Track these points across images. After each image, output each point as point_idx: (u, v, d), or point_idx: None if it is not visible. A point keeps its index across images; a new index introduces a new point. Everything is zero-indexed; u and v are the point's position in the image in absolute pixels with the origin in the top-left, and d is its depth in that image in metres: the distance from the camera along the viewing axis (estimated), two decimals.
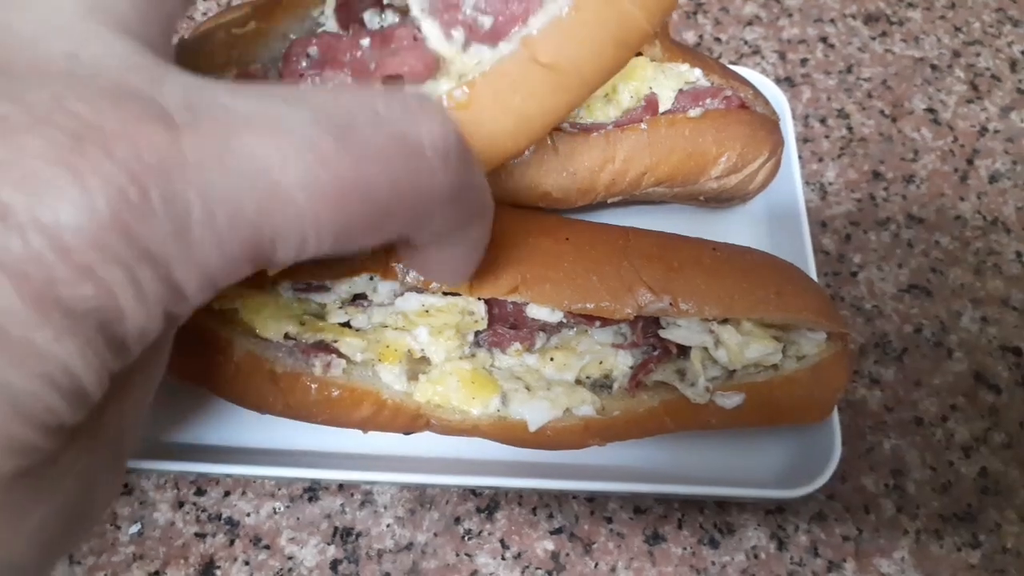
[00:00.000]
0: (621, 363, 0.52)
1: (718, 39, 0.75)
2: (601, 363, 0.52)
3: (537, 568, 0.52)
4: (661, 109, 0.55)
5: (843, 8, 0.78)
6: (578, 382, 0.52)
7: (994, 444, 0.58)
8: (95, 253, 0.21)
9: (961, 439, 0.58)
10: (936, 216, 0.67)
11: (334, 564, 0.52)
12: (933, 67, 0.75)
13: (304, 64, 0.32)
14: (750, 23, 0.76)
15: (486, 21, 0.30)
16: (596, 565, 0.53)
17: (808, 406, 0.51)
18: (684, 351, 0.51)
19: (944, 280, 0.64)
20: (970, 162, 0.70)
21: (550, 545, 0.53)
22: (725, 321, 0.50)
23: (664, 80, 0.55)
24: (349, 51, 0.32)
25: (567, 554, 0.53)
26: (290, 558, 0.52)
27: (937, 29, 0.77)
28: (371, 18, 0.33)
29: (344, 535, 0.53)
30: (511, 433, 0.51)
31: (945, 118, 0.72)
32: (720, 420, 0.50)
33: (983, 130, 0.72)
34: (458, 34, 0.30)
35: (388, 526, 0.53)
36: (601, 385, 0.52)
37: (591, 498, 0.55)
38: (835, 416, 0.52)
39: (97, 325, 0.21)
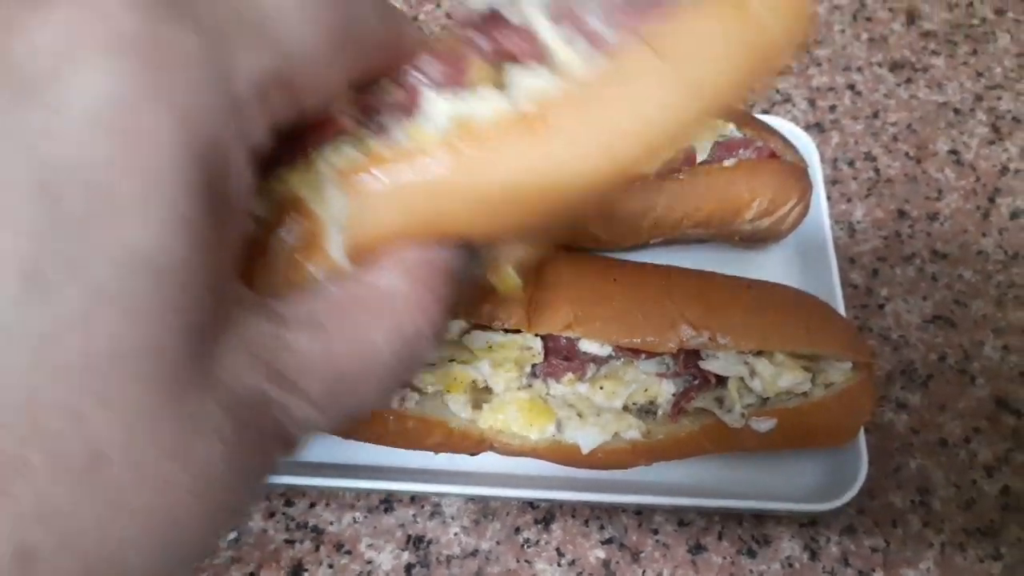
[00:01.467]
0: (665, 391, 0.58)
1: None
2: (646, 391, 0.58)
3: (590, 574, 0.58)
4: (698, 160, 0.61)
5: (870, 56, 0.83)
6: (625, 408, 0.58)
7: (1016, 464, 0.63)
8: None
9: (984, 459, 0.63)
10: (959, 251, 0.72)
11: (408, 568, 0.58)
12: (956, 111, 0.80)
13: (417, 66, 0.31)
14: (782, 73, 0.82)
15: (609, 34, 0.29)
16: (643, 572, 0.58)
17: (835, 430, 0.57)
18: (722, 380, 0.57)
19: (967, 311, 0.69)
20: (992, 200, 0.75)
21: (601, 554, 0.59)
22: (759, 353, 0.56)
23: (700, 133, 0.61)
24: (467, 51, 0.31)
25: (617, 562, 0.59)
26: (369, 562, 0.58)
27: (960, 75, 0.82)
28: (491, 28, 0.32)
29: (416, 542, 0.59)
30: (565, 455, 0.57)
31: (968, 159, 0.77)
32: (754, 443, 0.56)
33: (1004, 170, 0.76)
34: (580, 43, 0.29)
35: (455, 535, 0.59)
36: (646, 411, 0.58)
37: (639, 511, 0.60)
38: (861, 437, 0.58)
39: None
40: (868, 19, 0.86)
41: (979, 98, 0.81)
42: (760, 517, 0.60)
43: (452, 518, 0.60)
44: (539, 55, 0.29)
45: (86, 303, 0.20)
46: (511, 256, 0.38)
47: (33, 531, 0.20)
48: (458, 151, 0.28)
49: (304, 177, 0.29)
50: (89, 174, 0.20)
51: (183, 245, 0.21)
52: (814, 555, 0.59)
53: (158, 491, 0.21)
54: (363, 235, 0.29)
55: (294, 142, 0.29)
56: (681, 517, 0.60)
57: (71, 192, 0.20)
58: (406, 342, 0.28)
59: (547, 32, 0.29)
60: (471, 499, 0.60)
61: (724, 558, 0.59)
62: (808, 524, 0.60)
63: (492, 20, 0.31)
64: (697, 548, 0.59)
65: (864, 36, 0.85)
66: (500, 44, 0.30)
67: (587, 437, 0.56)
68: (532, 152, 0.28)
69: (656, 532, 0.60)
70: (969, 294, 0.70)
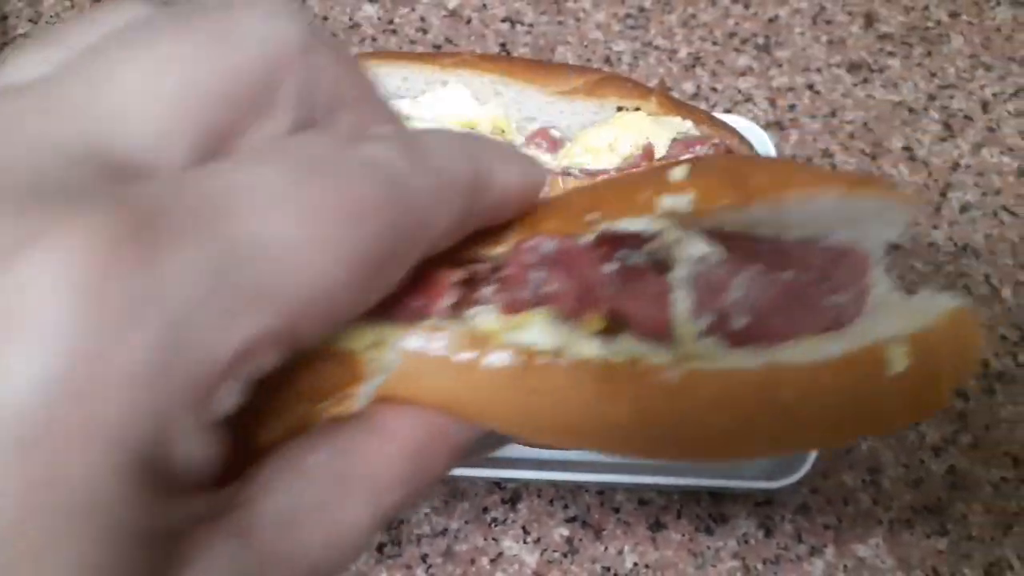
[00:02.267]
0: None
1: (714, 88, 0.85)
2: None
3: (554, 551, 0.61)
4: (656, 156, 0.64)
5: (828, 58, 0.87)
6: None
7: (962, 445, 0.66)
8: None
9: (932, 440, 0.66)
10: (911, 243, 0.75)
11: (380, 547, 0.61)
12: (910, 110, 0.83)
13: (532, 258, 0.28)
14: (743, 74, 0.86)
15: (740, 321, 0.27)
16: (605, 549, 0.61)
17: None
18: None
19: None
20: (943, 195, 0.78)
21: (565, 531, 0.62)
22: None
23: (659, 131, 0.64)
24: (590, 267, 0.28)
25: (580, 539, 0.61)
26: None
27: (914, 75, 0.85)
28: (626, 252, 0.28)
29: (388, 522, 0.62)
30: None
31: (921, 155, 0.80)
32: None
33: (955, 166, 0.80)
34: (705, 319, 0.27)
35: (426, 514, 0.62)
36: None
37: (600, 491, 0.63)
38: None
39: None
40: (827, 22, 0.89)
41: (932, 97, 0.84)
42: (717, 496, 0.63)
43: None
44: (659, 326, 0.27)
45: None
46: None
47: None
48: (532, 368, 0.26)
49: (365, 332, 0.27)
50: None
51: None
52: (769, 532, 0.62)
53: None
54: (401, 396, 0.27)
55: None
56: (641, 496, 0.63)
57: None
58: (376, 523, 0.26)
59: (682, 299, 0.27)
60: (441, 480, 0.63)
61: (683, 535, 0.62)
62: (763, 503, 0.63)
63: (631, 273, 0.28)
64: (657, 525, 0.62)
65: (823, 38, 0.88)
66: (625, 306, 0.27)
67: None
68: (597, 404, 0.26)
69: (618, 511, 0.63)
70: (920, 283, 0.73)
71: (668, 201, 0.28)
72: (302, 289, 0.20)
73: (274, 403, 0.24)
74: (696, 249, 0.27)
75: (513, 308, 0.27)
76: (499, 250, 0.28)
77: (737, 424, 0.26)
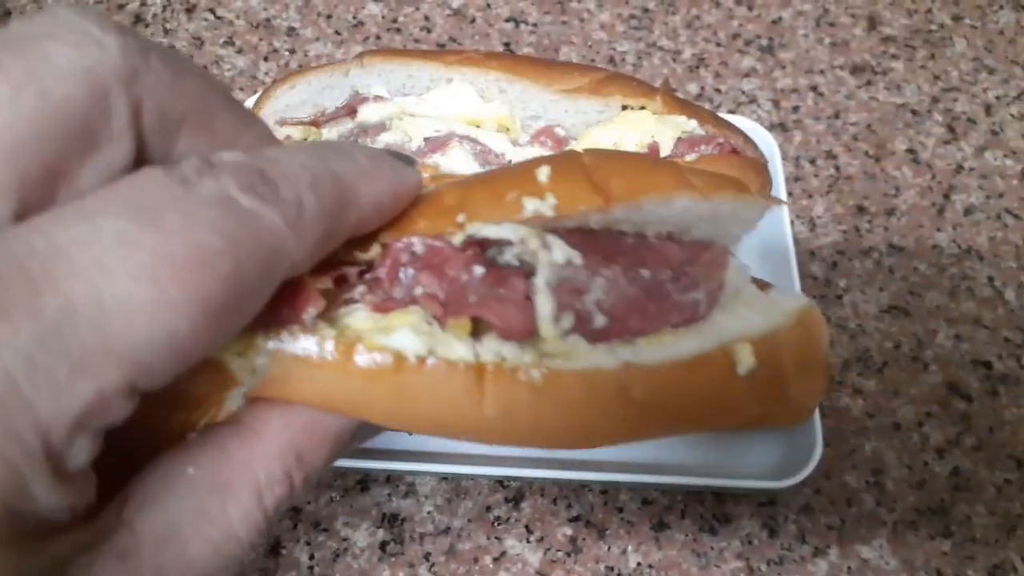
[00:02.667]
0: None
1: (718, 90, 0.85)
2: None
3: (558, 550, 0.61)
4: (661, 155, 0.64)
5: (832, 60, 0.87)
6: None
7: (965, 446, 0.66)
8: None
9: (935, 442, 0.66)
10: (915, 245, 0.75)
11: (383, 545, 0.61)
12: (914, 112, 0.83)
13: (404, 258, 0.29)
14: (747, 75, 0.86)
15: (600, 320, 0.28)
16: (609, 548, 0.61)
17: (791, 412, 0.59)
18: None
19: (921, 302, 0.72)
20: (947, 197, 0.78)
21: (569, 531, 0.61)
22: None
23: (664, 130, 0.64)
24: (458, 269, 0.29)
25: (584, 538, 0.61)
26: (345, 540, 0.61)
27: (918, 78, 0.86)
28: (494, 252, 0.29)
29: (391, 520, 0.61)
30: None
31: (924, 158, 0.80)
32: None
33: (959, 168, 0.80)
34: (567, 320, 0.28)
35: (429, 513, 0.62)
36: None
37: (604, 491, 0.63)
38: (816, 418, 0.60)
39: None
40: (831, 24, 0.89)
41: (936, 100, 0.84)
42: (721, 496, 0.63)
43: (426, 497, 0.62)
44: (524, 332, 0.28)
45: None
46: None
47: None
48: (401, 368, 0.27)
49: (235, 339, 0.27)
50: None
51: None
52: (772, 532, 0.62)
53: None
54: (274, 396, 0.28)
55: None
56: (645, 496, 0.63)
57: None
58: (264, 518, 0.26)
59: (543, 302, 0.28)
60: (444, 478, 0.63)
61: (686, 535, 0.62)
62: (767, 503, 0.63)
63: (496, 277, 0.29)
64: (660, 525, 0.62)
65: (827, 40, 0.88)
66: (490, 314, 0.28)
67: None
68: (463, 400, 0.27)
69: (621, 510, 0.62)
70: (924, 285, 0.73)
71: (532, 205, 0.29)
72: (146, 345, 0.20)
73: (149, 417, 0.24)
74: (558, 255, 0.29)
75: (384, 308, 0.29)
76: (370, 253, 0.29)
77: (596, 419, 0.28)
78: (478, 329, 0.29)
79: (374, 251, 0.29)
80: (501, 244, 0.29)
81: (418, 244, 0.29)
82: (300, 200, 0.24)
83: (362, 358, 0.27)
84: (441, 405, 0.27)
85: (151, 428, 0.26)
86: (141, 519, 0.24)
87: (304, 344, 0.27)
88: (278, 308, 0.26)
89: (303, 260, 0.25)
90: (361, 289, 0.29)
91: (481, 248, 0.29)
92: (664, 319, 0.29)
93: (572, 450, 0.30)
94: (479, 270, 0.29)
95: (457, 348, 0.28)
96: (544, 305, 0.28)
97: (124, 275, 0.20)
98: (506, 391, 0.27)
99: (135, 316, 0.20)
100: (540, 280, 0.28)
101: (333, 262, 0.28)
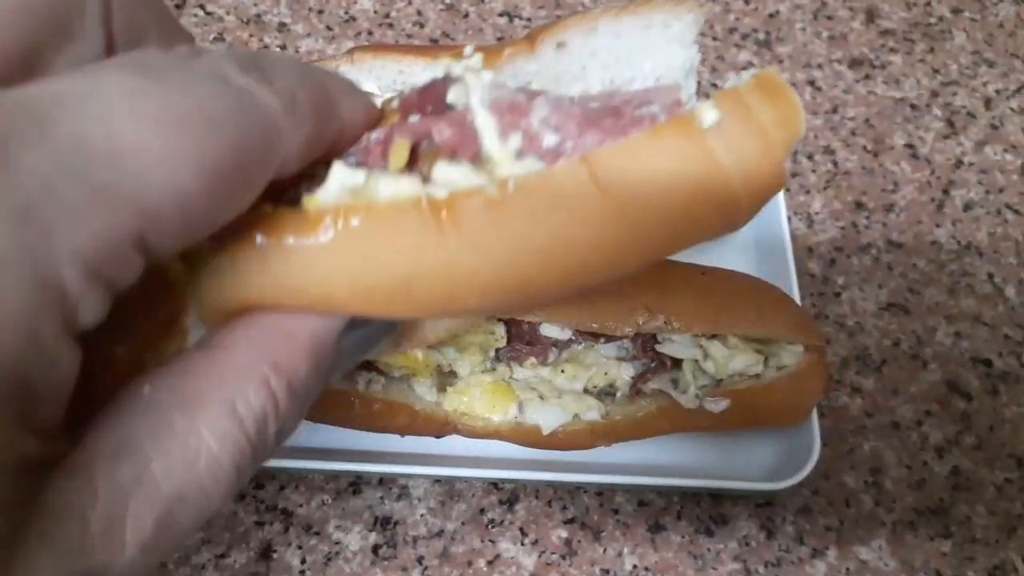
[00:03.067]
0: (623, 374, 0.60)
1: (715, 84, 0.84)
2: (606, 374, 0.60)
3: (552, 553, 0.60)
4: None
5: (830, 54, 0.86)
6: (586, 391, 0.60)
7: (965, 446, 0.65)
8: None
9: (935, 441, 0.65)
10: (914, 241, 0.74)
11: (375, 548, 0.60)
12: (912, 106, 0.82)
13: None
14: (744, 69, 0.84)
15: (551, 139, 0.26)
16: (604, 551, 0.60)
17: (787, 410, 0.59)
18: (677, 363, 0.58)
19: (920, 299, 0.71)
20: (946, 192, 0.77)
21: (564, 533, 0.61)
22: (713, 336, 0.58)
23: None
24: (397, 119, 0.28)
25: (579, 541, 0.60)
26: (337, 543, 0.60)
27: (916, 71, 0.85)
28: (430, 103, 0.29)
29: (383, 523, 0.61)
30: (527, 436, 0.59)
31: (923, 153, 0.79)
32: (709, 423, 0.58)
33: (958, 163, 0.79)
34: (515, 140, 0.26)
35: (422, 516, 0.61)
36: (606, 393, 0.60)
37: (600, 492, 0.62)
38: (814, 418, 0.59)
39: None
40: (829, 17, 0.88)
41: (935, 94, 0.83)
42: (718, 497, 0.62)
43: (419, 499, 0.62)
44: (468, 146, 0.26)
45: None
46: (422, 333, 0.34)
47: None
48: (347, 221, 0.25)
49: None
50: None
51: None
52: (770, 534, 0.61)
53: None
54: (233, 304, 0.26)
55: None
56: (641, 497, 0.62)
57: None
58: (244, 433, 0.24)
59: (483, 121, 0.26)
60: (438, 480, 0.62)
61: (683, 537, 0.61)
62: (764, 504, 0.62)
63: (429, 95, 0.28)
64: (656, 527, 0.61)
65: (824, 34, 0.87)
66: (428, 128, 0.27)
67: (548, 418, 0.58)
68: (425, 240, 0.24)
69: (617, 512, 0.62)
70: (923, 282, 0.72)
71: (459, 66, 0.28)
72: (153, 191, 0.20)
73: (121, 359, 0.24)
74: (487, 75, 0.28)
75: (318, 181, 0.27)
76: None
77: (573, 224, 0.25)
78: (424, 162, 0.27)
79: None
80: (440, 90, 0.28)
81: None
82: (293, 91, 0.24)
83: (309, 238, 0.25)
84: (404, 253, 0.25)
85: (117, 375, 0.25)
86: (92, 437, 0.23)
87: (254, 236, 0.25)
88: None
89: (295, 155, 0.24)
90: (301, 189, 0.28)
91: (419, 105, 0.29)
92: (623, 133, 0.26)
93: (564, 288, 0.26)
94: (416, 116, 0.28)
95: (403, 184, 0.26)
96: (483, 120, 0.26)
97: (132, 119, 0.20)
98: (465, 214, 0.24)
99: (144, 160, 0.20)
100: (474, 99, 0.27)
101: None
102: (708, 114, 0.25)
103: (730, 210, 0.26)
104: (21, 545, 0.20)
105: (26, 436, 0.20)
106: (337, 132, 0.27)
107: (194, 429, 0.23)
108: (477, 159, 0.26)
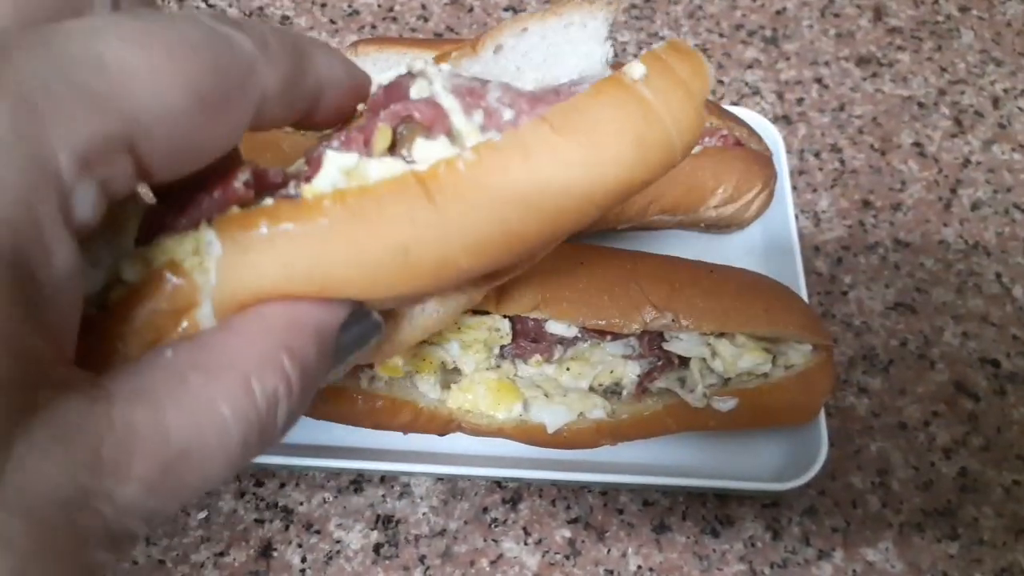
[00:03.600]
0: (629, 372, 0.59)
1: (721, 81, 0.83)
2: (612, 372, 0.59)
3: (556, 553, 0.59)
4: None
5: (837, 51, 0.85)
6: (591, 389, 0.59)
7: (972, 447, 0.64)
8: None
9: (942, 442, 0.64)
10: (921, 240, 0.74)
11: (376, 547, 0.59)
12: (920, 105, 0.82)
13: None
14: (751, 66, 0.84)
15: (508, 114, 0.30)
16: (608, 551, 0.59)
17: (795, 409, 0.58)
18: (685, 361, 0.58)
19: (928, 299, 0.71)
20: (953, 191, 0.76)
21: (567, 533, 0.60)
22: (721, 335, 0.57)
23: None
24: (369, 111, 0.32)
25: (583, 541, 0.60)
26: (338, 542, 0.59)
27: (924, 70, 0.84)
28: (397, 96, 0.32)
29: (385, 522, 0.60)
30: (532, 435, 0.58)
31: (931, 151, 0.79)
32: (716, 422, 0.57)
33: (966, 162, 0.78)
34: (478, 116, 0.30)
35: (424, 514, 0.60)
36: (612, 392, 0.59)
37: (604, 492, 0.61)
38: (822, 418, 0.59)
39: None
40: (836, 15, 0.88)
41: (943, 92, 0.82)
42: (723, 498, 0.62)
43: (421, 498, 0.61)
44: (440, 123, 0.30)
45: None
46: (419, 320, 0.37)
47: None
48: (344, 201, 0.27)
49: (183, 241, 0.28)
50: None
51: None
52: (776, 535, 0.61)
53: None
54: (244, 295, 0.27)
55: (182, 208, 0.28)
56: (646, 497, 0.61)
57: None
58: (255, 408, 0.25)
59: (449, 102, 0.30)
60: (440, 479, 0.61)
61: (688, 537, 0.60)
62: (770, 505, 0.62)
63: (395, 90, 0.32)
64: (661, 527, 0.60)
65: (832, 31, 0.86)
66: (404, 111, 0.31)
67: (553, 416, 0.57)
68: (416, 208, 0.27)
69: (621, 512, 0.61)
70: (930, 282, 0.71)
71: (420, 60, 0.33)
72: (142, 103, 0.22)
73: (134, 329, 0.26)
74: (445, 67, 0.33)
75: (312, 170, 0.30)
76: (295, 166, 0.31)
77: (537, 170, 0.28)
78: (404, 143, 0.31)
79: (299, 164, 0.31)
80: (405, 85, 0.32)
81: (340, 134, 0.32)
82: (264, 34, 0.26)
83: (307, 222, 0.27)
84: (399, 223, 0.27)
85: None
86: (112, 378, 0.24)
87: (255, 226, 0.27)
88: (211, 190, 0.28)
89: (273, 91, 0.26)
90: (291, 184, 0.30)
91: (387, 99, 0.32)
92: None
93: (545, 235, 0.29)
94: (389, 108, 0.31)
95: (389, 164, 0.29)
96: (449, 102, 0.30)
97: (122, 44, 0.22)
98: (449, 178, 0.27)
99: (134, 77, 0.22)
100: (437, 86, 0.31)
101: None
102: (636, 68, 0.29)
103: (668, 148, 0.29)
104: (24, 432, 0.21)
105: (32, 333, 0.21)
106: (315, 86, 0.29)
107: (209, 393, 0.24)
108: (450, 135, 0.30)
